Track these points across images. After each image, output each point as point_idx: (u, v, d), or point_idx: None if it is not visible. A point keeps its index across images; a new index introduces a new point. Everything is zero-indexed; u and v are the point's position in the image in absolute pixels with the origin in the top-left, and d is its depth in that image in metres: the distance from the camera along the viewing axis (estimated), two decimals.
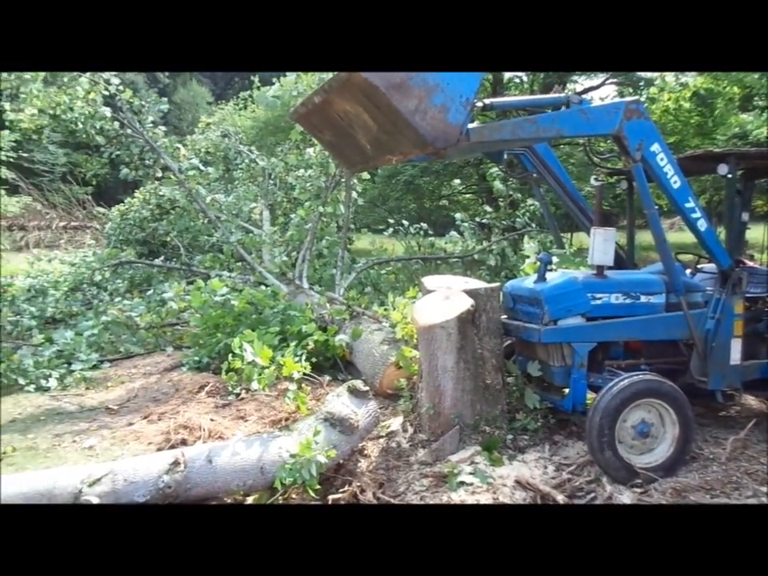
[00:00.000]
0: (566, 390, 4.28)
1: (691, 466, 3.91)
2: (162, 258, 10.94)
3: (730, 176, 4.24)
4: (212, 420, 4.76)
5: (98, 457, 4.28)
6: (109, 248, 12.11)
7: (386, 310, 6.23)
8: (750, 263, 5.08)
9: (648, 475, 3.73)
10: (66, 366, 6.34)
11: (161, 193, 11.51)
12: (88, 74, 8.33)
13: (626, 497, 3.58)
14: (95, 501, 3.21)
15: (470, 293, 4.20)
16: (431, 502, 3.50)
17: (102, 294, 9.20)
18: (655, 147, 3.90)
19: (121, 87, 8.74)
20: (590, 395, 4.24)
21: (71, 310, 8.45)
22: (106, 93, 8.75)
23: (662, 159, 3.93)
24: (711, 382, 4.22)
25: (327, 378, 5.65)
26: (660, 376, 3.97)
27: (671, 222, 20.06)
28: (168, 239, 11.50)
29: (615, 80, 18.32)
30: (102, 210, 16.73)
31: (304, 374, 4.48)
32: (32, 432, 4.81)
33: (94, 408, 5.43)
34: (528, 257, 6.51)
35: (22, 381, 5.91)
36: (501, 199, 9.39)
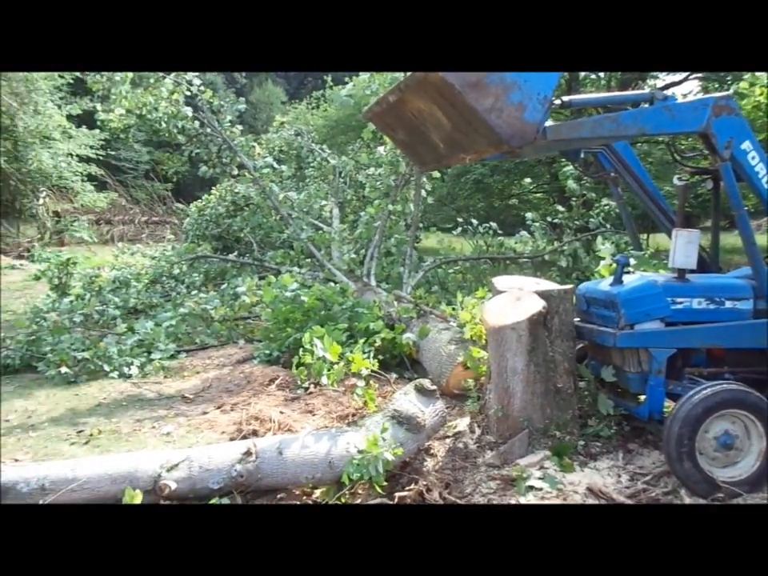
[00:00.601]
0: (642, 397, 4.12)
1: None
2: (235, 253, 11.32)
3: None
4: (281, 413, 4.88)
5: (175, 443, 4.48)
6: (186, 243, 12.66)
7: (453, 309, 6.19)
8: None
9: (731, 490, 3.53)
10: (146, 354, 6.67)
11: (236, 190, 11.92)
12: (172, 75, 8.73)
13: None
14: (173, 486, 3.37)
15: (542, 294, 4.11)
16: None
17: (180, 286, 9.63)
18: (746, 145, 3.69)
19: (202, 88, 9.11)
20: (668, 404, 4.06)
21: (151, 301, 8.89)
22: (188, 93, 9.13)
23: (753, 158, 3.71)
24: None
25: (394, 375, 5.68)
26: (745, 386, 3.75)
27: (758, 223, 18.90)
28: (242, 235, 11.89)
29: (699, 75, 17.40)
30: (180, 206, 17.55)
31: (372, 370, 4.53)
32: (115, 416, 5.10)
33: (171, 396, 5.69)
34: (602, 258, 6.29)
35: (107, 367, 6.28)
36: (574, 199, 9.12)
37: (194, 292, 8.86)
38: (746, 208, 4.04)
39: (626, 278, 4.22)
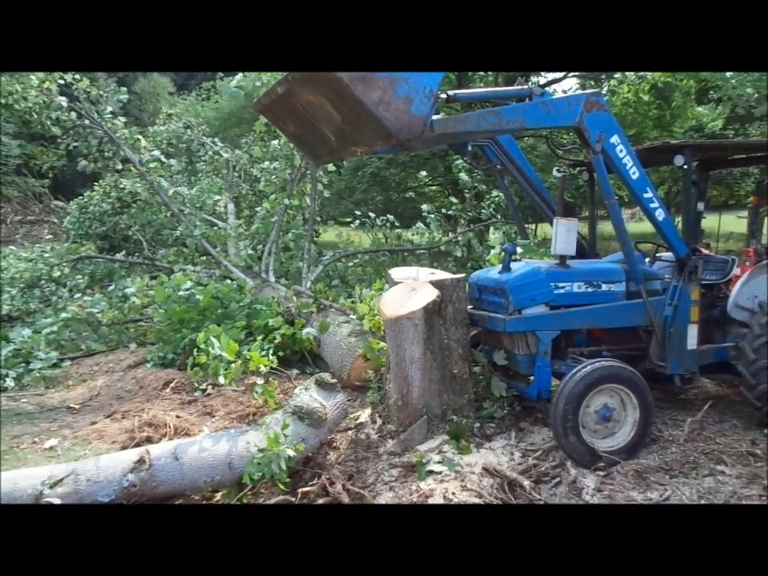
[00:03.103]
0: (531, 378, 4.36)
1: (651, 448, 4.03)
2: (123, 252, 10.68)
3: (686, 167, 4.36)
4: (178, 417, 4.69)
5: (60, 458, 4.18)
6: (68, 243, 11.78)
7: (353, 302, 6.23)
8: (706, 251, 5.24)
9: (610, 458, 3.83)
10: (23, 365, 6.15)
11: (121, 185, 11.25)
12: None
13: (589, 480, 3.67)
14: (57, 502, 3.15)
15: (436, 284, 4.23)
16: (401, 492, 3.53)
17: (61, 290, 8.94)
18: (615, 139, 3.98)
19: (77, 76, 8.48)
20: (555, 382, 4.33)
21: (28, 307, 8.20)
22: (62, 82, 8.47)
23: (621, 151, 4.01)
24: (670, 366, 4.35)
25: (295, 371, 5.63)
26: (621, 362, 4.07)
27: (632, 212, 20.50)
28: (130, 233, 11.25)
29: (577, 73, 18.58)
30: (59, 203, 16.27)
31: (271, 367, 4.45)
32: None
33: (54, 408, 5.30)
34: (493, 247, 6.58)
35: None
36: (466, 191, 9.44)
37: (77, 295, 8.26)
38: (618, 198, 4.37)
39: (513, 266, 4.44)
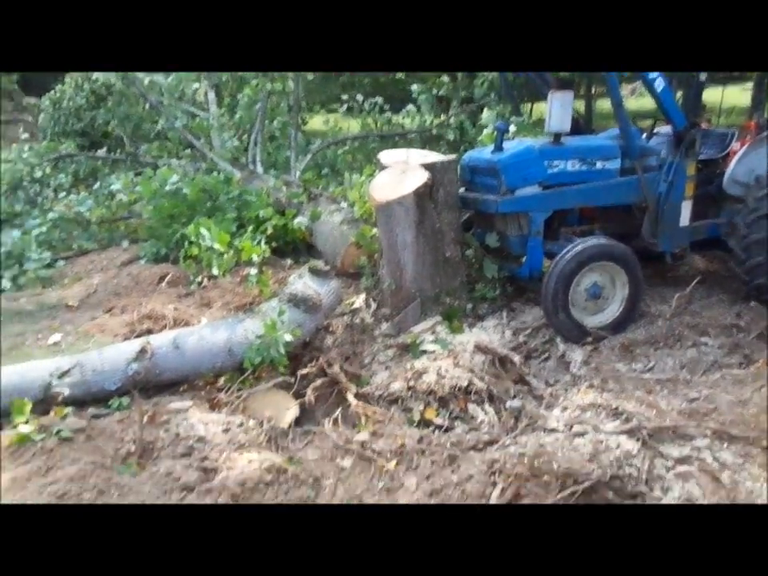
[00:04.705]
0: (523, 259, 4.39)
1: (638, 323, 4.15)
2: (104, 149, 10.33)
3: None
4: (176, 309, 4.75)
5: (64, 352, 4.27)
6: (46, 141, 11.34)
7: (343, 189, 6.13)
8: (705, 125, 5.09)
9: (599, 333, 3.96)
10: (17, 266, 6.14)
11: (94, 77, 10.65)
12: None
13: (577, 354, 3.82)
14: (66, 391, 3.27)
15: (427, 166, 4.14)
16: (396, 371, 3.67)
17: (46, 190, 8.72)
18: None
19: None
20: (546, 263, 4.36)
21: (14, 209, 8.04)
22: None
23: None
24: (661, 243, 4.38)
25: (289, 261, 5.65)
26: (613, 239, 4.09)
27: (632, 87, 19.71)
28: (109, 129, 10.81)
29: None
30: (31, 100, 15.48)
31: (265, 258, 4.46)
32: None
33: (53, 306, 5.33)
34: (486, 127, 6.38)
35: None
36: None
37: (62, 195, 8.08)
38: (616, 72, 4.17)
39: (506, 145, 4.33)
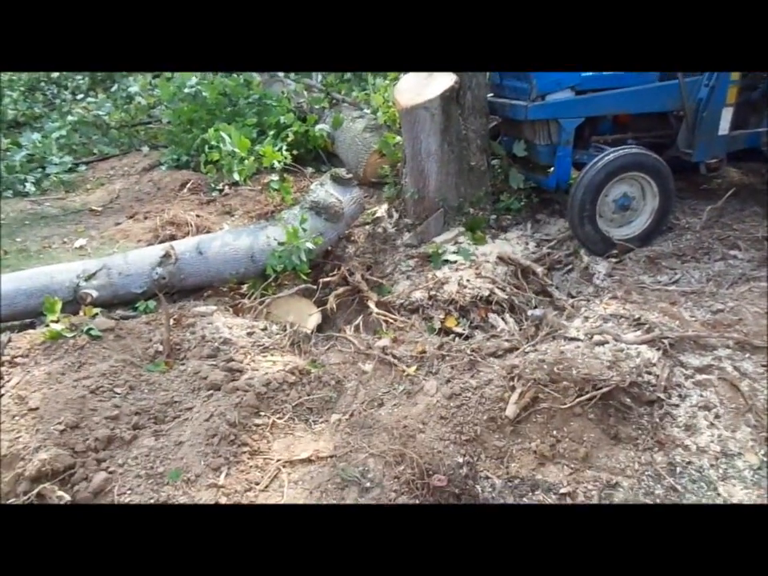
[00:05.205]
0: (551, 169, 4.25)
1: (666, 236, 4.06)
2: None
3: None
4: (198, 216, 4.76)
5: (90, 255, 4.36)
6: None
7: (366, 95, 5.90)
8: None
9: (624, 245, 3.88)
10: (40, 170, 6.15)
11: None
12: None
13: (601, 266, 3.77)
14: (95, 294, 3.35)
15: None
16: (417, 281, 3.68)
17: (64, 92, 8.59)
18: None
19: None
20: (575, 173, 4.23)
21: (33, 111, 7.95)
22: None
23: None
24: (697, 153, 4.19)
25: (310, 169, 5.56)
26: (646, 149, 3.92)
27: None
28: None
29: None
30: None
31: (286, 165, 4.38)
32: (19, 236, 4.83)
33: (77, 210, 5.39)
34: None
35: None
36: None
37: (80, 96, 7.94)
38: None
39: None
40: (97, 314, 3.14)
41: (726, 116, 4.14)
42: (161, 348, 2.97)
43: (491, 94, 4.31)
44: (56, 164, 6.21)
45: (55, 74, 8.85)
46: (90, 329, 2.92)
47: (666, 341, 2.48)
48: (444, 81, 3.87)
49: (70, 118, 6.99)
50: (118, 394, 2.56)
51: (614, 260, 3.83)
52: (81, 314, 3.13)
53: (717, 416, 2.28)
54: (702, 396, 2.32)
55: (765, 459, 2.14)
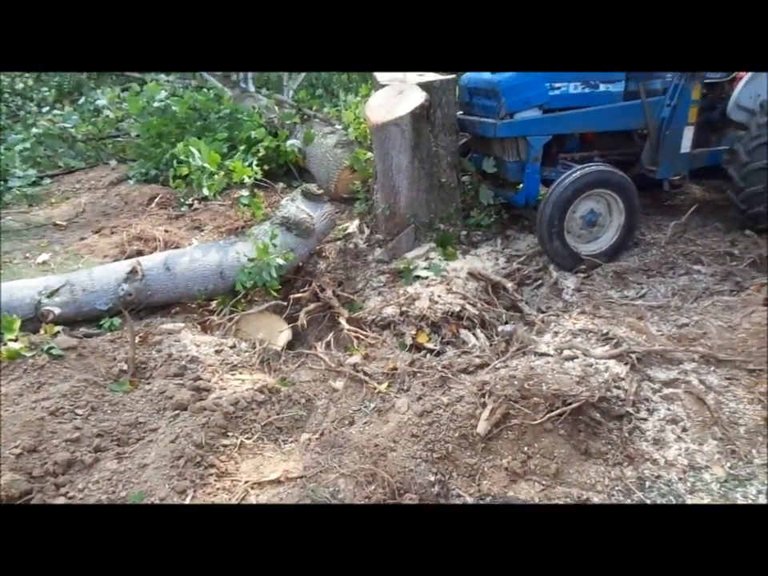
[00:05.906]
0: (520, 186, 4.31)
1: (633, 251, 4.13)
2: None
3: None
4: (166, 231, 4.69)
5: (54, 271, 4.24)
6: None
7: (338, 111, 5.92)
8: None
9: (592, 261, 3.94)
10: (2, 183, 6.00)
11: None
12: None
13: (570, 281, 3.82)
14: (57, 311, 3.25)
15: (425, 86, 3.98)
16: (389, 296, 3.67)
17: (29, 104, 8.43)
18: None
19: None
20: (543, 190, 4.29)
21: None
22: None
23: None
24: (660, 170, 4.30)
25: (281, 185, 5.54)
26: (611, 166, 4.00)
27: None
28: None
29: None
30: None
31: (257, 180, 4.35)
32: None
33: (40, 225, 5.26)
34: None
35: None
36: None
37: (46, 109, 7.80)
38: None
39: None
40: (58, 332, 3.05)
41: (688, 134, 4.27)
42: (125, 367, 2.90)
43: (461, 112, 4.36)
44: (19, 177, 6.06)
45: (20, 86, 8.69)
46: (51, 347, 2.83)
47: (633, 355, 2.52)
48: (415, 98, 3.90)
49: (34, 130, 6.85)
50: (80, 415, 2.47)
51: (582, 275, 3.88)
52: (41, 332, 3.04)
53: (684, 429, 2.31)
54: (669, 410, 2.35)
55: (731, 472, 2.17)
